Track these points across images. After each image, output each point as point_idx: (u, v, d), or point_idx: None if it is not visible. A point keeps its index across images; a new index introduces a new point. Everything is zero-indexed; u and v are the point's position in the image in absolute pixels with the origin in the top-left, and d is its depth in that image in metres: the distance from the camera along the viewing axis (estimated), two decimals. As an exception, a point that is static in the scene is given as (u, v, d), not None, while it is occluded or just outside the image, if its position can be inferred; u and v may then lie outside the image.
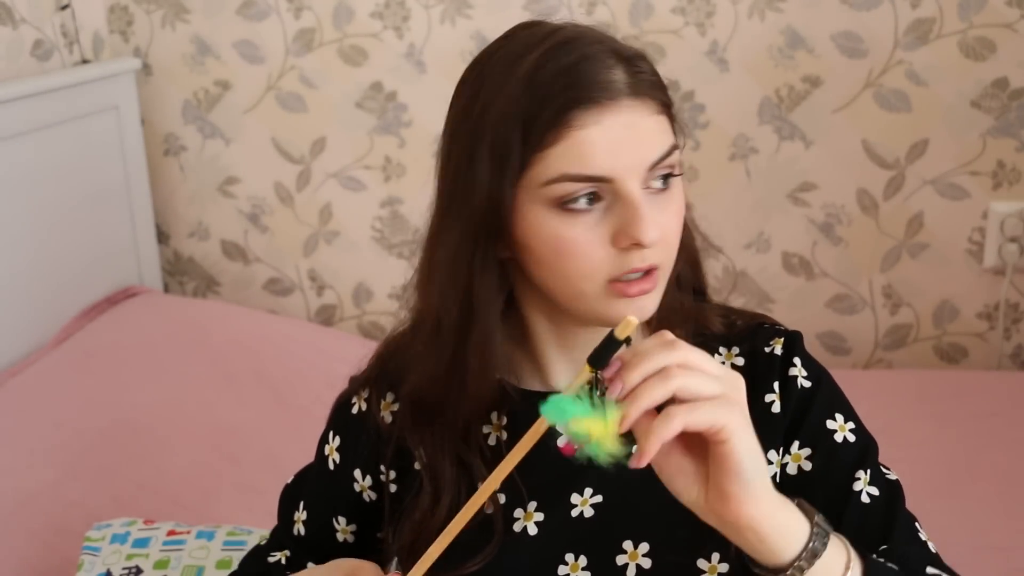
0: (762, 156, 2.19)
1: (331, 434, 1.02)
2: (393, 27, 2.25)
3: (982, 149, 2.10)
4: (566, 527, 0.90)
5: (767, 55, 2.13)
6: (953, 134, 2.10)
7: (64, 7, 2.20)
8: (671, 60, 2.15)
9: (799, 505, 0.75)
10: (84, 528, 1.52)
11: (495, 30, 0.93)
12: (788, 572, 0.72)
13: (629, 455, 0.69)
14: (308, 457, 1.06)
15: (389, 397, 0.99)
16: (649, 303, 0.85)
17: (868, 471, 0.89)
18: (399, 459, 0.97)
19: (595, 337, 0.74)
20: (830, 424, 0.91)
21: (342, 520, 1.02)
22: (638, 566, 0.87)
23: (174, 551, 1.40)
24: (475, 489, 0.84)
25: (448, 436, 0.91)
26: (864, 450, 0.90)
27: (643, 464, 0.69)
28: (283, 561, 1.05)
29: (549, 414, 0.70)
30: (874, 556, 0.80)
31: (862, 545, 0.78)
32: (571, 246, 0.82)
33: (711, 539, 0.82)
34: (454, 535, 0.76)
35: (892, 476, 0.91)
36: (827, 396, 0.92)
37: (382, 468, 0.98)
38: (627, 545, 0.88)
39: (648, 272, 0.84)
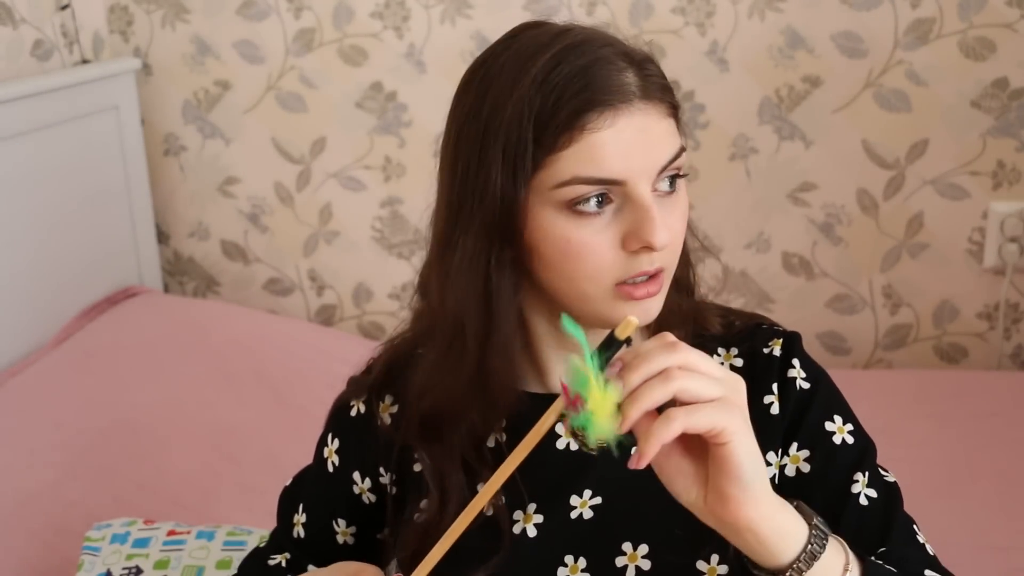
0: (762, 156, 2.19)
1: (330, 436, 1.02)
2: (393, 27, 2.25)
3: (982, 149, 2.10)
4: (565, 529, 0.90)
5: (767, 55, 2.13)
6: (953, 134, 2.10)
7: (64, 7, 2.20)
8: (671, 60, 2.15)
9: (798, 507, 0.75)
10: (84, 528, 1.52)
11: (495, 30, 0.93)
12: (787, 574, 0.72)
13: (620, 445, 0.69)
14: (308, 457, 1.06)
15: (388, 399, 0.99)
16: (654, 306, 0.85)
17: (866, 473, 0.89)
18: (399, 461, 0.97)
19: (596, 339, 0.74)
20: (828, 426, 0.91)
21: (342, 522, 1.02)
22: (637, 567, 0.87)
23: (174, 551, 1.40)
24: (476, 492, 0.84)
25: (458, 444, 0.91)
26: (862, 452, 0.90)
27: (643, 465, 0.69)
28: (283, 564, 1.05)
29: (569, 328, 0.69)
30: (872, 558, 0.80)
31: (860, 547, 0.78)
32: (580, 248, 0.82)
33: (710, 540, 0.82)
34: (455, 537, 0.75)
35: (890, 478, 0.91)
36: (826, 397, 0.92)
37: (381, 470, 0.98)
38: (626, 547, 0.88)
39: (654, 275, 0.84)
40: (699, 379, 0.70)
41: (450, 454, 0.91)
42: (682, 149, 0.85)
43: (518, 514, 0.91)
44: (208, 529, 1.44)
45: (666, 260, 0.85)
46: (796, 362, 0.93)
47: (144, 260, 2.38)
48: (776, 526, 0.72)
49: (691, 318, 0.95)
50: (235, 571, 1.10)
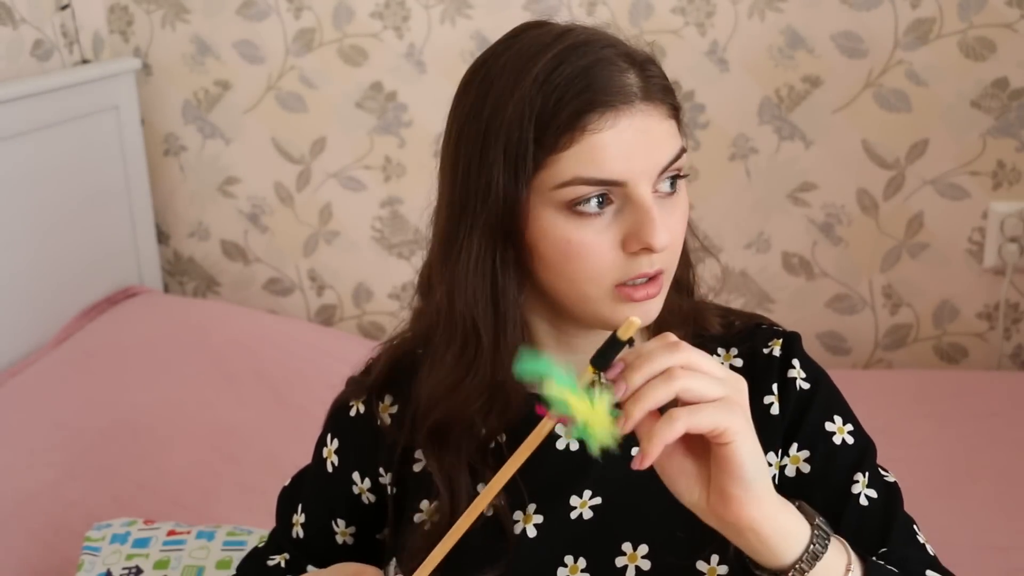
0: (762, 156, 2.19)
1: (329, 437, 1.02)
2: (393, 27, 2.25)
3: (982, 149, 2.10)
4: (565, 529, 0.90)
5: (767, 55, 2.13)
6: (953, 134, 2.10)
7: (64, 7, 2.20)
8: (671, 60, 2.15)
9: (800, 507, 0.75)
10: (84, 528, 1.52)
11: (495, 30, 0.93)
12: (789, 574, 0.73)
13: (620, 447, 0.69)
14: (308, 457, 1.06)
15: (388, 400, 0.99)
16: (654, 307, 0.85)
17: (866, 473, 0.89)
18: (399, 462, 0.96)
19: (596, 340, 0.74)
20: (828, 426, 0.91)
21: (341, 522, 1.02)
22: (637, 568, 0.87)
23: (174, 551, 1.40)
24: (479, 493, 0.83)
25: (465, 448, 0.90)
26: (862, 452, 0.90)
27: (646, 466, 0.69)
28: (282, 564, 1.05)
29: (525, 367, 0.69)
30: (874, 559, 0.80)
31: (860, 547, 0.78)
32: (580, 249, 0.82)
33: (710, 541, 0.82)
34: (457, 538, 0.75)
35: (890, 478, 0.91)
36: (826, 398, 0.92)
37: (381, 471, 0.98)
38: (626, 547, 0.88)
39: (654, 277, 0.84)
40: (701, 378, 0.70)
41: (458, 458, 0.90)
42: (683, 150, 0.85)
43: (518, 514, 0.91)
44: (208, 529, 1.44)
45: (666, 261, 0.85)
46: (796, 362, 0.93)
47: (144, 260, 2.38)
48: (778, 526, 0.72)
49: (691, 318, 0.95)
50: (234, 572, 1.10)
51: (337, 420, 1.01)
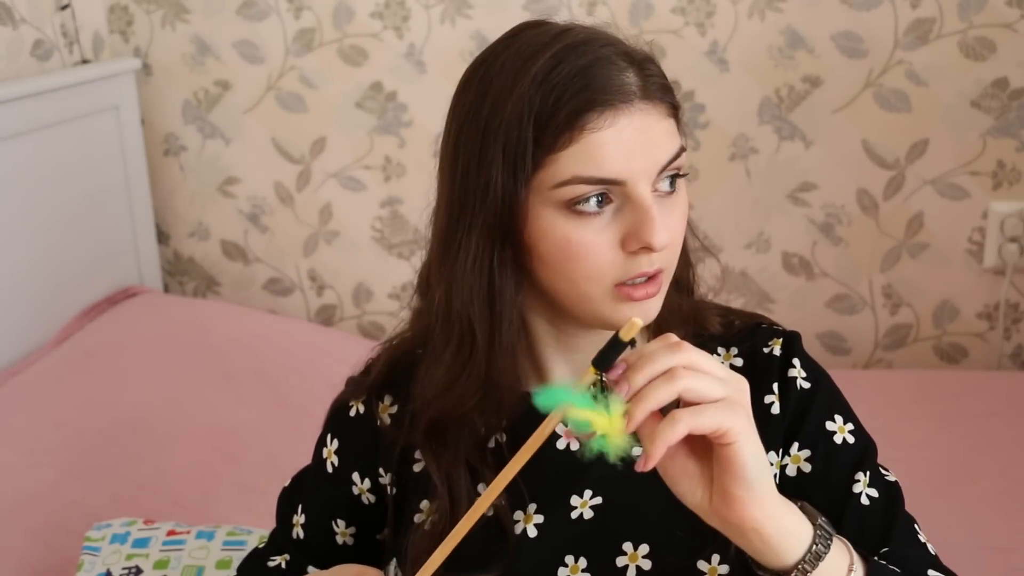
0: (762, 156, 2.19)
1: (329, 437, 1.02)
2: (393, 27, 2.25)
3: (982, 149, 2.10)
4: (566, 529, 0.90)
5: (767, 55, 2.13)
6: (953, 134, 2.10)
7: (64, 7, 2.20)
8: (671, 60, 2.15)
9: (802, 508, 0.75)
10: (84, 528, 1.52)
11: (495, 30, 0.93)
12: (791, 574, 0.72)
13: (634, 449, 0.69)
14: (308, 457, 1.06)
15: (387, 400, 0.99)
16: (653, 306, 0.85)
17: (867, 473, 0.89)
18: (399, 462, 0.96)
19: (596, 339, 0.74)
20: (829, 425, 0.91)
21: (341, 523, 1.02)
22: (638, 567, 0.87)
23: (174, 551, 1.40)
24: (479, 493, 0.83)
25: (463, 447, 0.91)
26: (863, 451, 0.90)
27: (649, 467, 0.69)
28: (283, 565, 1.05)
29: (542, 402, 0.69)
30: (876, 558, 0.80)
31: (861, 547, 0.78)
32: (579, 248, 0.82)
33: (711, 541, 0.82)
34: (458, 540, 0.75)
35: (891, 477, 0.91)
36: (826, 397, 0.92)
37: (381, 471, 0.98)
38: (627, 547, 0.88)
39: (653, 276, 0.84)
40: (704, 378, 0.70)
41: (456, 458, 0.90)
42: (682, 149, 0.85)
43: (518, 514, 0.91)
44: (208, 529, 1.44)
45: (665, 261, 0.85)
46: (796, 362, 0.93)
47: (144, 260, 2.38)
48: (781, 526, 0.72)
49: (691, 318, 0.95)
50: (234, 573, 1.09)
51: (337, 420, 1.01)
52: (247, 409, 1.93)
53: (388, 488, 0.98)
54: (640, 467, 0.69)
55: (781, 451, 0.90)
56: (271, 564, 1.05)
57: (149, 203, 2.39)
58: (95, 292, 2.22)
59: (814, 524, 0.74)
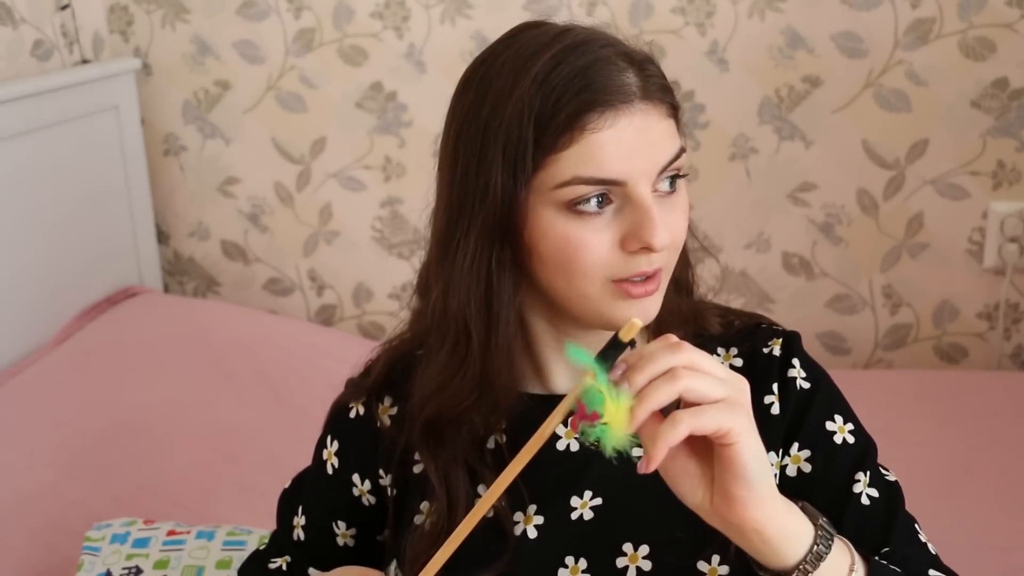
0: (762, 156, 2.19)
1: (329, 438, 1.02)
2: (393, 27, 2.25)
3: (982, 149, 2.10)
4: (566, 530, 0.89)
5: (767, 55, 2.13)
6: (953, 134, 2.10)
7: (64, 7, 2.20)
8: (671, 60, 2.15)
9: (803, 508, 0.75)
10: (84, 528, 1.52)
11: (495, 30, 0.93)
12: (792, 575, 0.72)
13: (633, 449, 0.69)
14: (308, 457, 1.06)
15: (387, 401, 0.99)
16: (653, 305, 0.85)
17: (867, 472, 0.89)
18: (399, 463, 0.96)
19: (596, 340, 0.74)
20: (829, 425, 0.91)
21: (342, 524, 1.01)
22: (638, 568, 0.87)
23: (174, 551, 1.40)
24: (478, 493, 0.83)
25: (461, 447, 0.91)
26: (863, 451, 0.90)
27: (651, 469, 0.69)
28: (284, 567, 1.04)
29: (574, 356, 0.69)
30: (876, 558, 0.80)
31: (862, 547, 0.78)
32: (578, 245, 0.82)
33: (711, 541, 0.82)
34: (459, 541, 0.75)
35: (891, 477, 0.91)
36: (826, 397, 0.92)
37: (381, 472, 0.98)
38: (627, 547, 0.88)
39: (652, 274, 0.84)
40: (705, 378, 0.70)
41: (454, 458, 0.90)
42: (682, 150, 0.85)
43: (518, 515, 0.90)
44: (208, 529, 1.44)
45: (665, 260, 0.85)
46: (796, 362, 0.93)
47: (144, 260, 2.38)
48: (782, 527, 0.72)
49: (691, 318, 0.95)
50: (235, 573, 1.09)
51: (337, 422, 1.01)
52: (247, 409, 1.93)
53: (388, 489, 0.98)
54: (642, 468, 0.69)
55: (781, 451, 0.90)
56: (272, 566, 1.05)
57: (149, 203, 2.39)
58: (95, 292, 2.22)
59: (815, 524, 0.74)
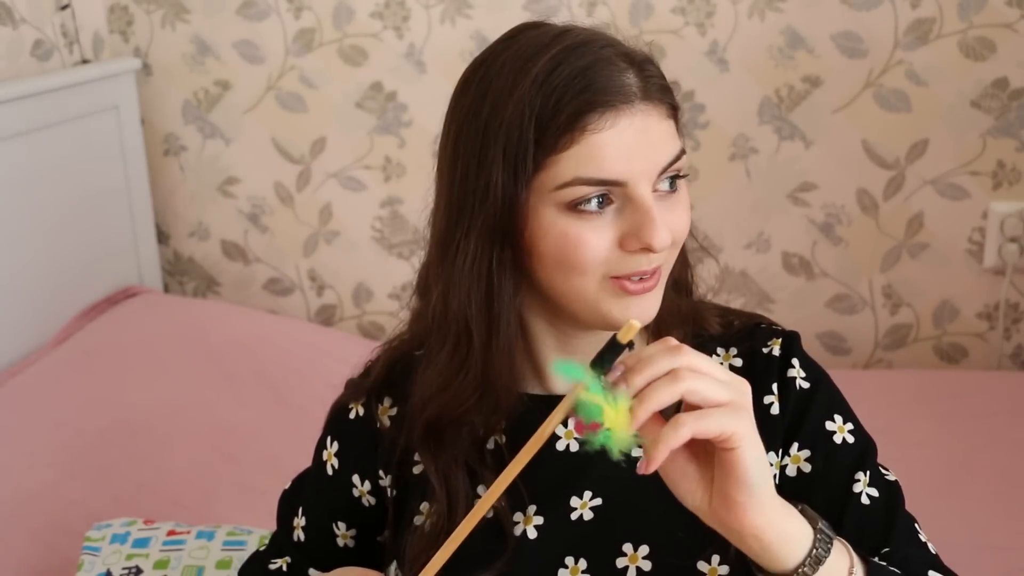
0: (762, 156, 2.19)
1: (329, 439, 1.02)
2: (393, 27, 2.25)
3: (982, 149, 2.10)
4: (566, 530, 0.89)
5: (767, 55, 2.13)
6: (953, 134, 2.10)
7: (64, 7, 2.20)
8: (671, 60, 2.15)
9: (802, 511, 0.75)
10: (84, 528, 1.52)
11: (495, 30, 0.93)
12: (791, 578, 0.73)
13: (637, 449, 0.69)
14: (308, 457, 1.06)
15: (387, 402, 0.99)
16: (651, 304, 0.85)
17: (867, 472, 0.89)
18: (399, 464, 0.96)
19: (595, 341, 0.73)
20: (829, 425, 0.90)
21: (342, 525, 1.01)
22: (638, 568, 0.87)
23: (174, 551, 1.40)
24: (478, 494, 0.83)
25: (461, 447, 0.91)
26: (863, 451, 0.90)
27: (651, 471, 0.69)
28: (284, 568, 1.04)
29: (563, 370, 0.69)
30: (876, 559, 0.80)
31: (862, 547, 0.78)
32: (576, 242, 0.82)
33: (711, 541, 0.82)
34: (459, 542, 0.75)
35: (891, 477, 0.91)
36: (826, 397, 0.92)
37: (381, 473, 0.98)
38: (627, 548, 0.88)
39: (652, 273, 0.84)
40: (707, 381, 0.69)
41: (454, 458, 0.90)
42: (682, 151, 0.85)
43: (518, 516, 0.90)
44: (208, 529, 1.44)
45: (664, 258, 0.85)
46: (796, 362, 0.93)
47: (144, 260, 2.38)
48: (781, 531, 0.72)
49: (690, 319, 0.95)
50: (235, 574, 1.09)
51: (337, 423, 1.01)
52: (247, 409, 1.93)
53: (388, 490, 0.98)
54: (641, 470, 0.69)
55: (781, 451, 0.90)
56: (272, 567, 1.05)
57: (149, 203, 2.39)
58: (95, 292, 2.22)
59: (814, 528, 0.74)
